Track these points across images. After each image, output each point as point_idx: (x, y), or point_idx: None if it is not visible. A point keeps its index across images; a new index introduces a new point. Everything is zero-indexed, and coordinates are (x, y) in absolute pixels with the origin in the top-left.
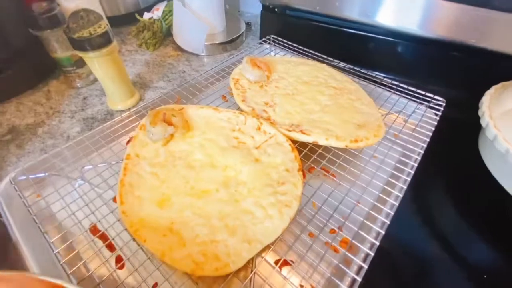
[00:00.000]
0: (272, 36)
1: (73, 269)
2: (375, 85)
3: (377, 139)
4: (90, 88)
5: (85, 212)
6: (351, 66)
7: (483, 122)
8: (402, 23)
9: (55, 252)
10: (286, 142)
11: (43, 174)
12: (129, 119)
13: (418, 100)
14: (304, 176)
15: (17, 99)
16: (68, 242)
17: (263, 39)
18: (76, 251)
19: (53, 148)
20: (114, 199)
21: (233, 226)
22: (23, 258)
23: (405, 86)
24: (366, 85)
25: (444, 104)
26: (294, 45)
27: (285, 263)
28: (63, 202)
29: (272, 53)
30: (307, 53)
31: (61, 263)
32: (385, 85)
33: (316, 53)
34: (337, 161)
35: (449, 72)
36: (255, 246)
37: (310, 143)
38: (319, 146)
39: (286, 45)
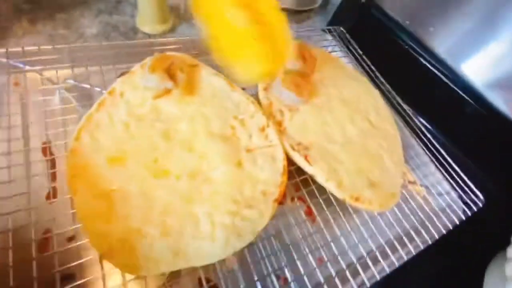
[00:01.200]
0: (341, 28)
1: None
2: (418, 142)
3: (380, 209)
4: None
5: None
6: (408, 108)
7: (508, 269)
8: (487, 87)
9: None
10: (282, 161)
11: (22, 65)
12: (149, 48)
13: (454, 184)
14: (278, 204)
15: None
16: None
17: (328, 27)
18: None
19: (60, 40)
20: None
21: (170, 227)
22: None
23: (450, 161)
24: (407, 137)
25: (481, 206)
26: (358, 50)
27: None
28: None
29: (330, 49)
30: (366, 68)
31: None
32: (429, 149)
33: (377, 73)
34: (325, 210)
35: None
36: (178, 262)
37: (308, 174)
38: (315, 181)
39: (349, 47)
